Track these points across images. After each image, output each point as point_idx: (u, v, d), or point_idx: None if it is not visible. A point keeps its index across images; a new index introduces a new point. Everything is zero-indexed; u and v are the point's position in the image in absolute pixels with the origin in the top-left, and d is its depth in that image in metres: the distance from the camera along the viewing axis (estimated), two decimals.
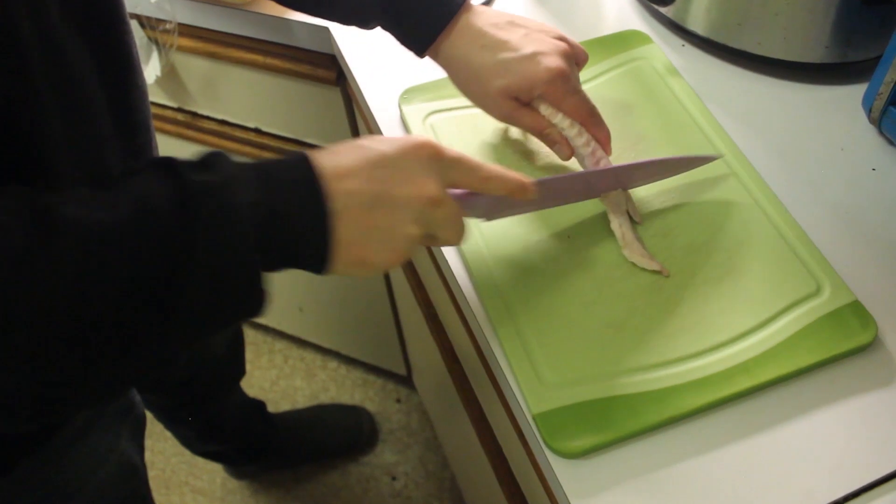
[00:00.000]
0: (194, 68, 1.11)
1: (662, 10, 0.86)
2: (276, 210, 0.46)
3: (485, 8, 0.69)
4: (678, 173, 0.71)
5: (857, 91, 0.79)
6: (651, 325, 0.62)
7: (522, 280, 0.65)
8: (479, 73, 0.67)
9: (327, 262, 0.49)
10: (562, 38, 0.68)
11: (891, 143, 0.75)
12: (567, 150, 0.68)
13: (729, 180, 0.71)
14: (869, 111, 0.74)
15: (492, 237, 0.68)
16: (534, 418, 0.58)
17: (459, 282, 0.67)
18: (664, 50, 0.85)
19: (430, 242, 0.56)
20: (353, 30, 0.89)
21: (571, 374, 0.59)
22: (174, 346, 0.45)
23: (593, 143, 0.68)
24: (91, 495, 0.69)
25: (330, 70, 0.97)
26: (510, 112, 0.67)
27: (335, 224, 0.48)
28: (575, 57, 0.68)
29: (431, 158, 0.52)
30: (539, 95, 0.66)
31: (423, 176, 0.52)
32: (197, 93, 1.16)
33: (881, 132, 0.75)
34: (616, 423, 0.57)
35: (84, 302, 0.40)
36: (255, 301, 0.47)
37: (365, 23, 0.70)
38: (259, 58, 1.02)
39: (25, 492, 0.62)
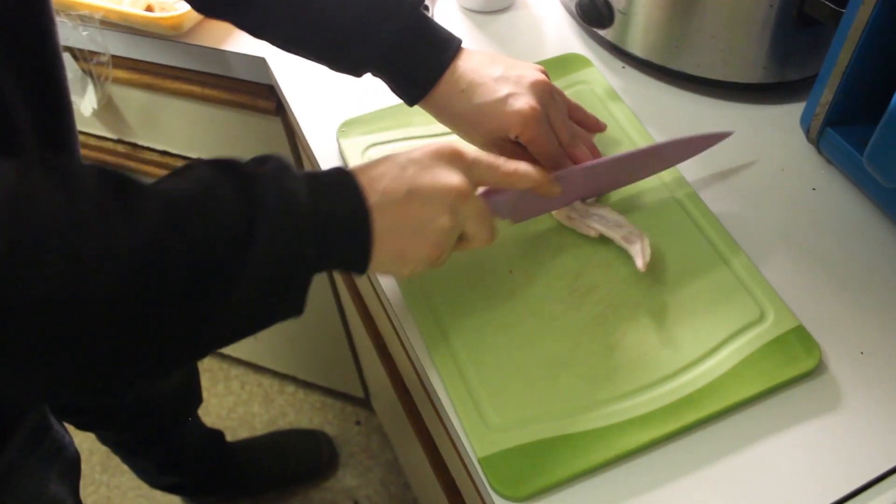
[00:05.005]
0: (132, 100, 1.08)
1: (601, 32, 0.86)
2: (321, 206, 0.49)
3: (471, 51, 0.66)
4: (694, 155, 0.72)
5: (796, 110, 0.79)
6: (595, 360, 0.61)
7: (465, 320, 0.64)
8: (458, 120, 0.66)
9: (369, 255, 0.53)
10: (543, 71, 0.67)
11: (830, 162, 0.75)
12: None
13: (669, 205, 0.71)
14: (807, 131, 0.74)
15: (433, 276, 0.66)
16: (479, 462, 0.56)
17: (403, 324, 0.65)
18: (605, 72, 0.85)
19: (464, 244, 0.59)
20: (290, 60, 0.88)
21: (516, 414, 0.58)
22: (221, 330, 0.47)
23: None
24: None
25: (269, 101, 0.96)
26: (503, 153, 0.65)
27: (374, 217, 0.52)
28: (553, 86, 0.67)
29: (453, 158, 0.56)
30: (516, 137, 0.65)
31: (448, 171, 0.55)
32: (136, 124, 1.13)
33: (820, 152, 0.75)
34: (563, 464, 0.56)
35: (156, 262, 0.42)
36: (299, 296, 0.51)
37: (358, 72, 0.67)
38: (196, 88, 0.99)
39: None
